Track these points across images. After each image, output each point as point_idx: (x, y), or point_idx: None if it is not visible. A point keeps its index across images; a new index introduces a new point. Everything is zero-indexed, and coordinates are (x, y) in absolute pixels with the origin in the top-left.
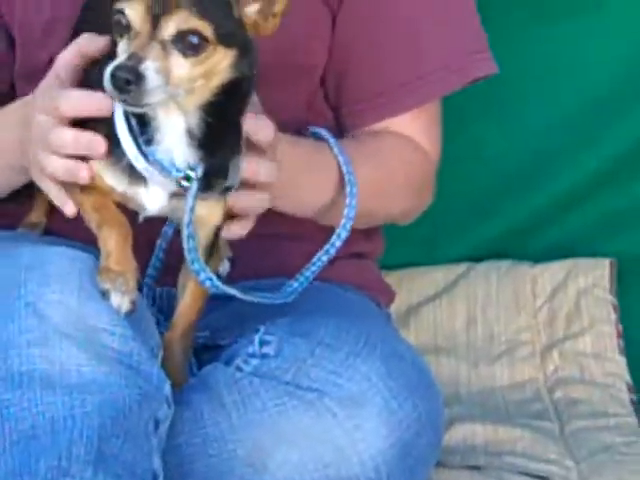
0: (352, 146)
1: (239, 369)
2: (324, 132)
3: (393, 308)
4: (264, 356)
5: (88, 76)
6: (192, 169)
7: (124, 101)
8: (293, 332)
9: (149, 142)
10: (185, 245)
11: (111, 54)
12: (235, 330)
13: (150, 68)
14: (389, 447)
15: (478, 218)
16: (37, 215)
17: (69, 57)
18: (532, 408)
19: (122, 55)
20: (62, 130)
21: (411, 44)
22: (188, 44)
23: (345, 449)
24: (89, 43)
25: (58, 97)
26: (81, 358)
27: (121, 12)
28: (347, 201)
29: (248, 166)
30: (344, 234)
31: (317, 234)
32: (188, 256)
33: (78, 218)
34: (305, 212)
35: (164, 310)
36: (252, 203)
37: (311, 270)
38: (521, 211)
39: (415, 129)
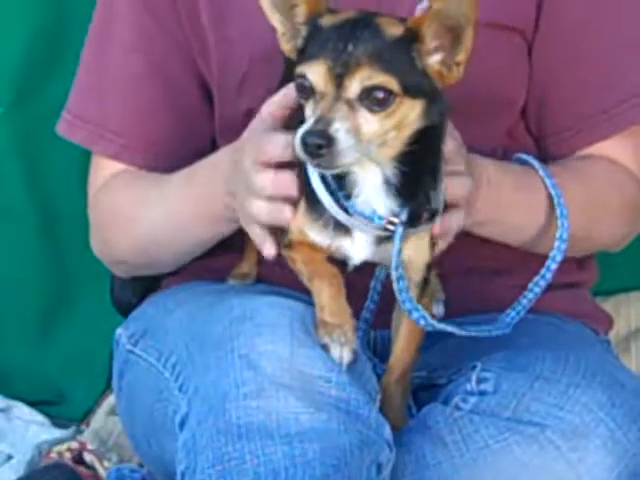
0: (559, 170)
1: (458, 408)
2: (529, 157)
3: (612, 335)
4: (482, 393)
5: (288, 126)
6: (395, 215)
7: (318, 165)
8: (510, 367)
9: (348, 196)
10: (396, 287)
11: (301, 117)
12: (451, 368)
13: (340, 129)
14: (616, 478)
15: None
16: (248, 265)
17: (275, 106)
18: None
19: (310, 119)
20: (265, 171)
21: (611, 69)
22: (374, 100)
23: None
24: (293, 94)
25: (265, 140)
26: (298, 407)
27: (303, 76)
28: (559, 222)
29: (445, 187)
30: (559, 257)
31: (525, 268)
32: (399, 297)
33: (286, 265)
34: (517, 237)
35: (379, 353)
36: (452, 220)
37: (528, 298)
38: None
39: (624, 154)
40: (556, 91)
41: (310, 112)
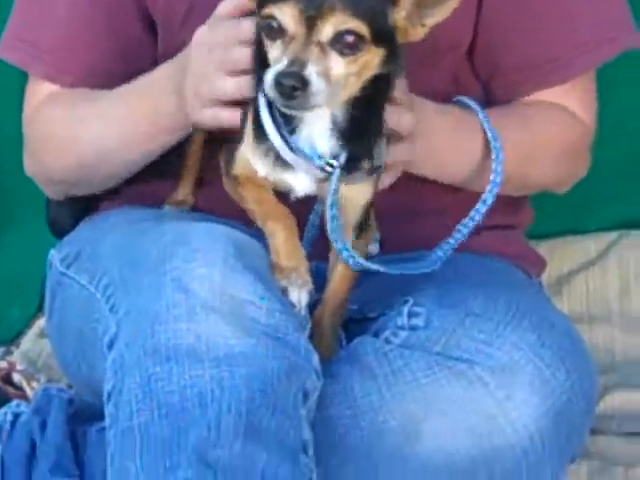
0: (502, 113)
1: (388, 341)
2: (470, 100)
3: (545, 277)
4: (413, 328)
5: None
6: (334, 157)
7: (287, 106)
8: (442, 303)
9: (292, 131)
10: (328, 226)
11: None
12: (383, 302)
13: (312, 72)
14: (542, 415)
15: (630, 184)
16: (184, 193)
17: (231, 6)
18: None
19: (281, 60)
20: (239, 49)
21: (563, 16)
22: (345, 44)
23: (497, 418)
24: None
25: (229, 27)
26: (228, 331)
27: (271, 17)
28: (493, 166)
29: (390, 117)
30: (490, 199)
31: (461, 208)
32: (331, 236)
33: (222, 195)
34: (452, 178)
35: (315, 283)
36: (397, 153)
37: (455, 238)
38: None
39: (570, 99)
40: (504, 36)
41: (278, 53)
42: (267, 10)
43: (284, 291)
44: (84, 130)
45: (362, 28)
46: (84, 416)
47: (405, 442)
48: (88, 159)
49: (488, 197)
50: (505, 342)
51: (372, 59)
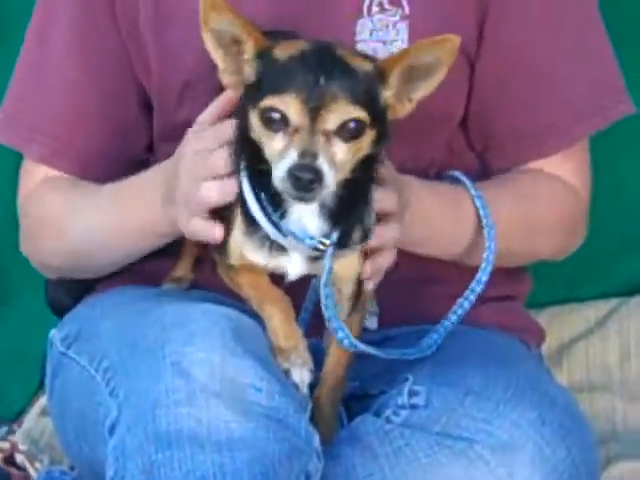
0: (496, 185)
1: (389, 421)
2: (460, 175)
3: (544, 347)
4: (414, 407)
5: None
6: (325, 235)
7: (302, 198)
8: (441, 382)
9: (282, 216)
10: (323, 304)
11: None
12: (384, 379)
13: (325, 163)
14: None
15: (627, 252)
16: (182, 270)
17: (210, 116)
18: None
19: (288, 152)
20: (220, 152)
21: (553, 86)
22: (348, 131)
23: None
24: (229, 102)
25: (210, 132)
26: (228, 415)
27: (272, 109)
28: (486, 244)
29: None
30: (485, 278)
31: (462, 277)
32: (326, 314)
33: None
34: (448, 252)
35: (315, 361)
36: (384, 233)
37: (451, 320)
38: None
39: (565, 169)
40: (497, 105)
41: (282, 145)
42: (267, 102)
43: (286, 373)
44: (76, 221)
45: (364, 115)
46: None
47: None
48: (80, 247)
49: (482, 276)
50: (505, 420)
51: (367, 141)
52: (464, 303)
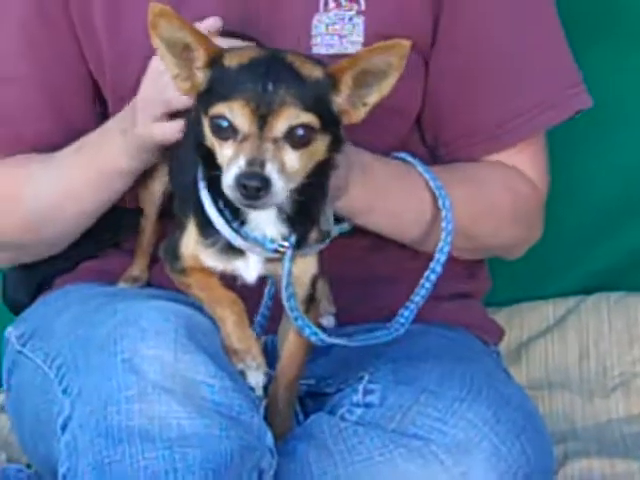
0: (445, 170)
1: (344, 419)
2: (406, 155)
3: (503, 345)
4: (368, 405)
5: None
6: (285, 239)
7: (250, 205)
8: (397, 380)
9: (242, 222)
10: (286, 305)
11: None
12: (339, 378)
13: (273, 171)
14: None
15: (585, 251)
16: (138, 269)
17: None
18: None
19: (237, 160)
20: None
21: (508, 82)
22: (297, 136)
23: None
24: None
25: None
26: (180, 411)
27: (221, 116)
28: (443, 214)
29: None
30: (446, 248)
31: (414, 277)
32: (291, 315)
33: None
34: (408, 230)
35: (270, 358)
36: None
37: (420, 295)
38: (631, 242)
39: (520, 160)
40: (451, 103)
41: (232, 152)
42: (215, 109)
43: (242, 374)
44: (30, 186)
45: (313, 120)
46: None
47: None
48: (34, 216)
49: (444, 245)
50: (460, 419)
51: (320, 147)
52: (430, 275)
